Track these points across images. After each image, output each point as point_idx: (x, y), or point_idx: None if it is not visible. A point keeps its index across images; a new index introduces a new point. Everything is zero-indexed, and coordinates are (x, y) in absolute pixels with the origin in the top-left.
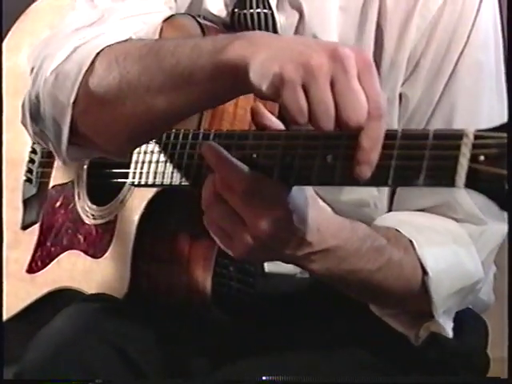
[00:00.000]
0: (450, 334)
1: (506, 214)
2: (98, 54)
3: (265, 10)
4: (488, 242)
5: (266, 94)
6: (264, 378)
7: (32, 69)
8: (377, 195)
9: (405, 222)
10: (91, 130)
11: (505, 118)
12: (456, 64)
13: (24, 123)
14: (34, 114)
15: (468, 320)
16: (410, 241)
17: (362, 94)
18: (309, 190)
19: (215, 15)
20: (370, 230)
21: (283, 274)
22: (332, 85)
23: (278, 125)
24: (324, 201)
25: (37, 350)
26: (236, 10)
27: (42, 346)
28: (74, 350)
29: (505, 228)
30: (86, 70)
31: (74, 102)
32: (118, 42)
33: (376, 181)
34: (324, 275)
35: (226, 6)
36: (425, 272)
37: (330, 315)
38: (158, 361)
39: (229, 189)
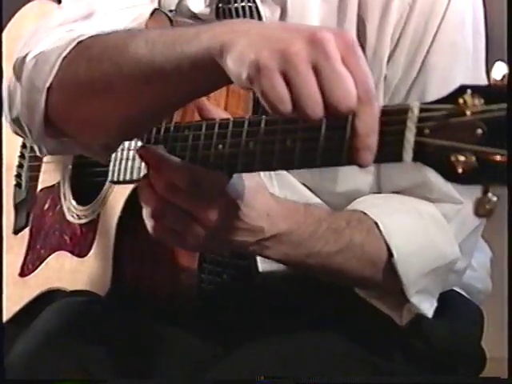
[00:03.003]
0: (429, 313)
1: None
2: (80, 42)
3: (249, 4)
4: (465, 221)
5: (245, 83)
6: (262, 377)
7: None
8: (372, 182)
9: (375, 204)
10: (76, 124)
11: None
12: (431, 44)
13: (4, 111)
14: (12, 101)
15: (462, 309)
16: (376, 223)
17: (349, 77)
18: (255, 177)
19: (197, 14)
20: (327, 212)
21: (276, 271)
22: (316, 72)
23: (226, 116)
24: (318, 194)
25: (20, 349)
26: (220, 5)
27: (25, 345)
28: (58, 346)
29: None
30: (65, 56)
31: (49, 88)
32: (102, 33)
33: (329, 161)
34: (282, 260)
35: (208, 4)
36: (391, 254)
37: (322, 311)
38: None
39: (173, 188)
